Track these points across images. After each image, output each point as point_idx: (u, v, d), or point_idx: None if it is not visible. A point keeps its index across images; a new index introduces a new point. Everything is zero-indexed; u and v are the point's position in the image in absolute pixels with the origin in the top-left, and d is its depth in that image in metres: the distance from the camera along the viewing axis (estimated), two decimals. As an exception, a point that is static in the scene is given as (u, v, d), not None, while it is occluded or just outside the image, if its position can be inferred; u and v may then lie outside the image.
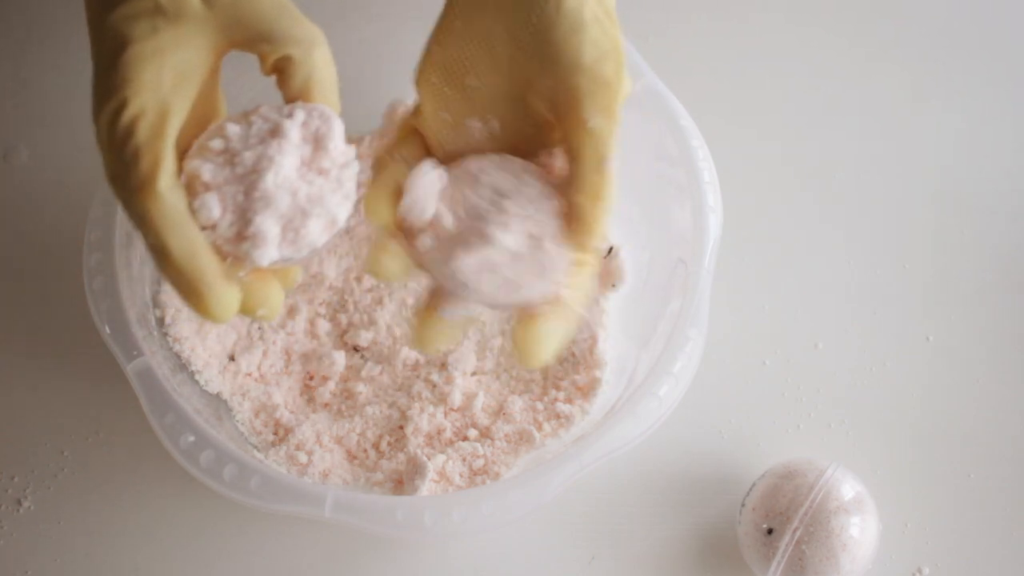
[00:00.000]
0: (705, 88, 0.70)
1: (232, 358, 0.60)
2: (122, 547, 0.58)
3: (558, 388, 0.60)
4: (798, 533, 0.54)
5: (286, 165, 0.42)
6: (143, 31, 0.41)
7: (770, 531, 0.55)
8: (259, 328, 0.61)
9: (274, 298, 0.44)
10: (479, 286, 0.43)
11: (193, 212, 0.41)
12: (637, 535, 0.59)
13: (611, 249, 0.62)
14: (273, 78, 0.44)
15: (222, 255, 0.42)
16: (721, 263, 0.57)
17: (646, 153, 0.58)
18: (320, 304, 0.63)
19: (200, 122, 0.43)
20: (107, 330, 0.53)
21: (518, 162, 0.45)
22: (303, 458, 0.56)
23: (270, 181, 0.42)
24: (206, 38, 0.42)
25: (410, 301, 0.63)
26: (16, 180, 0.68)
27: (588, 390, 0.59)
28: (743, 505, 0.57)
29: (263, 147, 0.42)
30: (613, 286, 0.62)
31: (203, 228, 0.41)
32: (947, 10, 0.74)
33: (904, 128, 0.70)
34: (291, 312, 0.62)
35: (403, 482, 0.56)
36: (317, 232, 0.43)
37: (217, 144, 0.42)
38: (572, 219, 0.44)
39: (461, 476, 0.56)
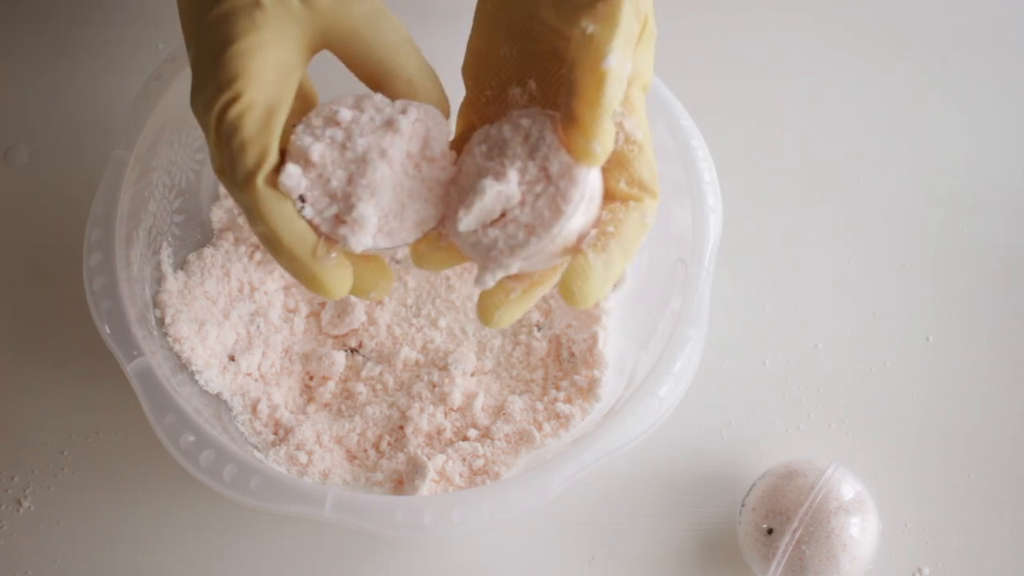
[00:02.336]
0: (705, 88, 0.70)
1: (232, 358, 0.60)
2: (122, 547, 0.58)
3: (558, 388, 0.60)
4: (798, 533, 0.54)
5: (396, 159, 0.43)
6: (245, 27, 0.42)
7: (770, 531, 0.55)
8: (259, 328, 0.61)
9: (385, 280, 0.46)
10: (496, 241, 0.43)
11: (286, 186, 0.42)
12: (637, 535, 0.59)
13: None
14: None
15: (316, 232, 0.43)
16: (721, 263, 0.57)
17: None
18: (320, 304, 0.63)
19: (296, 117, 0.44)
20: (107, 330, 0.53)
21: (521, 111, 0.45)
22: (303, 458, 0.56)
23: (379, 172, 0.43)
24: (304, 36, 0.43)
25: (409, 301, 0.63)
26: (16, 180, 0.68)
27: (588, 390, 0.59)
28: (743, 505, 0.57)
29: (375, 137, 0.43)
30: (613, 286, 0.62)
31: (293, 199, 0.42)
32: (948, 11, 0.74)
33: (904, 128, 0.70)
34: (291, 312, 0.63)
35: (403, 482, 0.56)
36: (411, 228, 0.44)
37: (326, 126, 0.43)
38: (568, 126, 0.42)
39: (461, 476, 0.56)
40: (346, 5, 0.43)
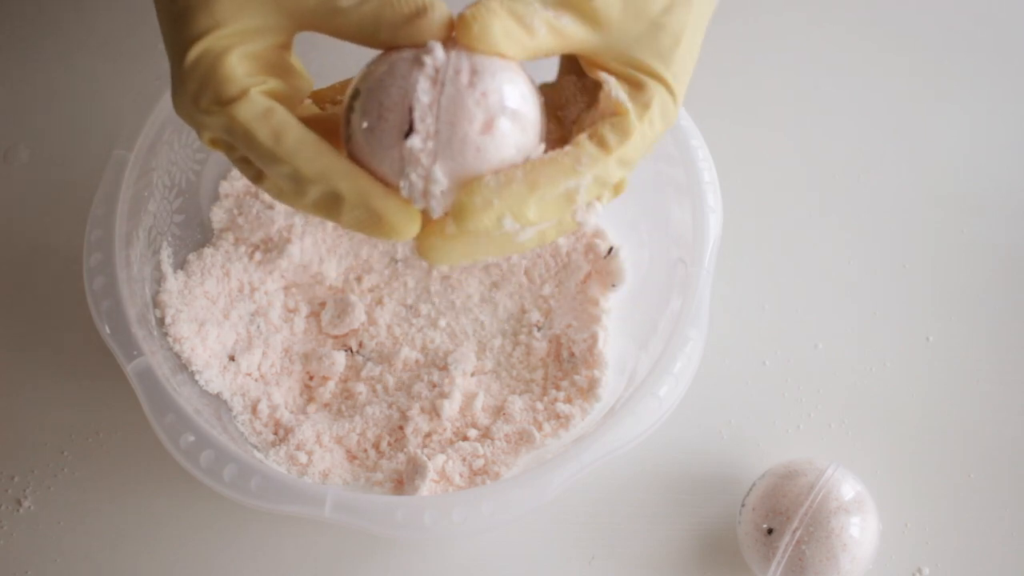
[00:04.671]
0: (705, 88, 0.69)
1: (232, 358, 0.60)
2: (122, 547, 0.58)
3: (558, 388, 0.60)
4: (798, 533, 0.54)
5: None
6: (205, 24, 0.41)
7: (770, 531, 0.55)
8: (259, 328, 0.61)
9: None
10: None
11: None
12: (637, 535, 0.59)
13: (611, 249, 0.62)
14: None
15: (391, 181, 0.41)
16: (721, 263, 0.57)
17: (646, 153, 0.58)
18: (320, 304, 0.63)
19: (293, 89, 0.43)
20: (107, 330, 0.53)
21: None
22: (303, 458, 0.56)
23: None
24: (272, 21, 0.42)
25: (409, 301, 0.63)
26: (16, 180, 0.68)
27: (588, 390, 0.59)
28: (743, 505, 0.57)
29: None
30: (613, 286, 0.62)
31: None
32: (948, 10, 0.74)
33: (904, 128, 0.70)
34: (291, 312, 0.63)
35: (403, 482, 0.56)
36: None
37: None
38: None
39: (461, 476, 0.56)
40: None
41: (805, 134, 0.70)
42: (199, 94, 0.41)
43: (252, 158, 0.42)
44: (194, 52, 0.41)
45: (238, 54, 0.41)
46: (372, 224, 0.42)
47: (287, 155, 0.41)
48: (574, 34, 0.43)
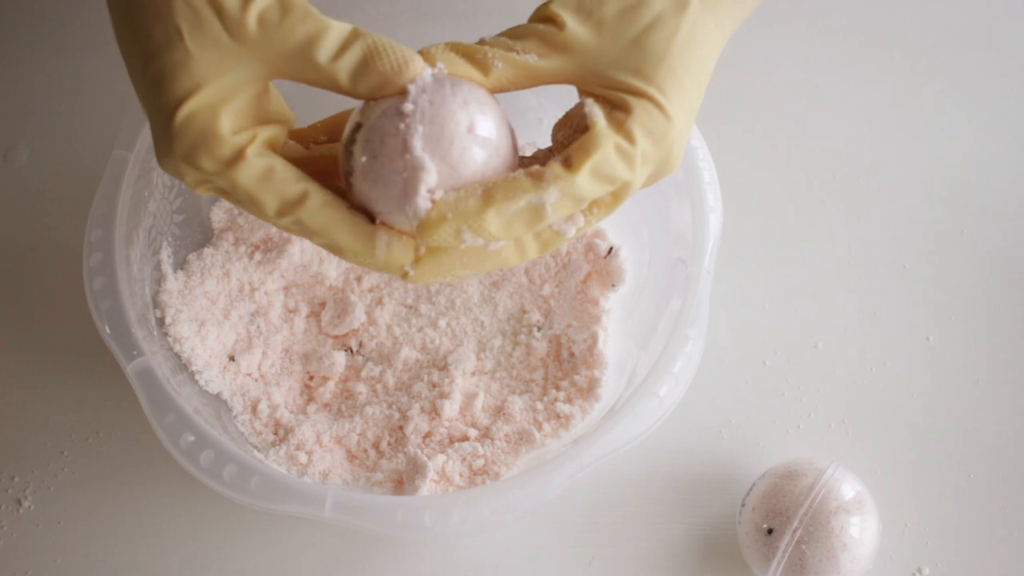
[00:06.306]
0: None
1: (232, 358, 0.60)
2: (122, 547, 0.58)
3: (558, 388, 0.60)
4: (798, 533, 0.54)
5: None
6: (186, 85, 0.41)
7: (770, 531, 0.55)
8: (259, 328, 0.61)
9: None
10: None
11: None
12: (637, 535, 0.59)
13: (611, 249, 0.62)
14: None
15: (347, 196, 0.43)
16: (721, 263, 0.57)
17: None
18: (320, 304, 0.63)
19: (279, 130, 0.44)
20: (107, 330, 0.53)
21: None
22: (303, 458, 0.56)
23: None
24: (250, 71, 0.42)
25: (409, 301, 0.63)
26: (16, 180, 0.68)
27: (588, 390, 0.59)
28: (743, 505, 0.57)
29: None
30: (613, 286, 0.62)
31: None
32: (947, 10, 0.74)
33: (904, 128, 0.70)
34: (291, 312, 0.63)
35: (403, 482, 0.56)
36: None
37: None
38: None
39: (461, 476, 0.56)
40: (277, 31, 0.41)
41: (805, 134, 0.70)
42: (191, 154, 0.41)
43: (256, 216, 0.43)
44: (181, 115, 0.41)
45: (227, 113, 0.41)
46: (372, 265, 0.43)
47: (291, 213, 0.42)
48: (547, 67, 0.43)
